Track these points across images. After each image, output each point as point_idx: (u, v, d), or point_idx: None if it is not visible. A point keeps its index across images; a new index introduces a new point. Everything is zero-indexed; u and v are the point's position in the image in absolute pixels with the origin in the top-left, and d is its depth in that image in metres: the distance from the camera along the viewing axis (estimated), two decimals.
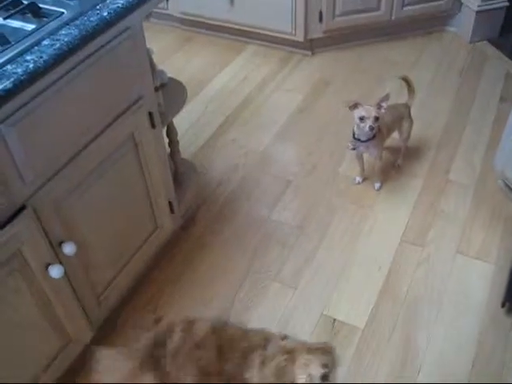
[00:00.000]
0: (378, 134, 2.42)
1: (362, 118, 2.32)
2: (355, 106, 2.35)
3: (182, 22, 3.77)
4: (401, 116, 2.61)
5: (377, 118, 2.31)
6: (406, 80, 2.66)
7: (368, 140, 2.42)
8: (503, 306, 2.10)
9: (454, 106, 3.09)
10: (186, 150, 2.69)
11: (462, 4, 3.52)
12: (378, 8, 3.35)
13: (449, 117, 3.02)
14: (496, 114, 3.02)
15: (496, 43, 3.54)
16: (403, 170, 2.71)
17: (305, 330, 2.08)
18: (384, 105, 2.33)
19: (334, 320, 2.11)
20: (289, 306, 2.16)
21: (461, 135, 2.90)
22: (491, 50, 3.50)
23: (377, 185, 2.64)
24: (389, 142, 2.64)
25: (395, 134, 2.66)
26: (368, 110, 2.31)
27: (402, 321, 2.10)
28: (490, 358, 1.98)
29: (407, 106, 2.64)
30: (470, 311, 2.12)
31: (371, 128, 2.31)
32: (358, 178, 2.68)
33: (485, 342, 2.02)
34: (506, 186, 2.54)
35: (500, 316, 2.10)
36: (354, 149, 2.53)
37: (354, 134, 2.46)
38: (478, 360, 1.97)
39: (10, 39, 1.39)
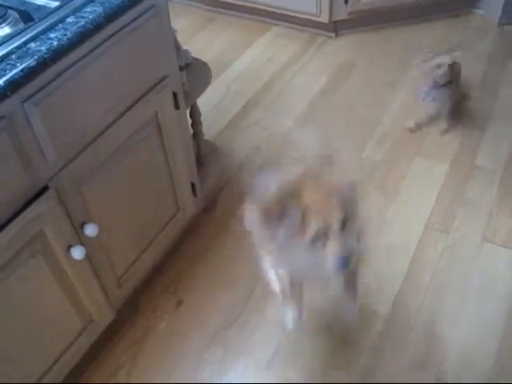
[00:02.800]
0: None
1: (439, 66, 2.54)
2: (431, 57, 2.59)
3: (204, 2, 3.72)
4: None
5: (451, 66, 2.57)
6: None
7: (444, 85, 2.63)
8: None
9: (481, 90, 3.02)
10: (209, 131, 2.66)
11: None
12: None
13: (476, 102, 2.94)
14: None
15: None
16: (428, 155, 2.65)
17: (327, 314, 2.06)
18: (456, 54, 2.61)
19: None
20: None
21: (488, 121, 2.83)
22: None
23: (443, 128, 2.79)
24: None
25: None
26: (443, 58, 2.57)
27: (425, 308, 2.07)
28: None
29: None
30: (495, 300, 2.08)
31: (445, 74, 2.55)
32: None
33: (510, 331, 1.99)
34: None
35: None
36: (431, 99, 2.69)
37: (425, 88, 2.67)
38: (502, 350, 1.93)
39: (34, 16, 1.38)
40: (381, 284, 2.15)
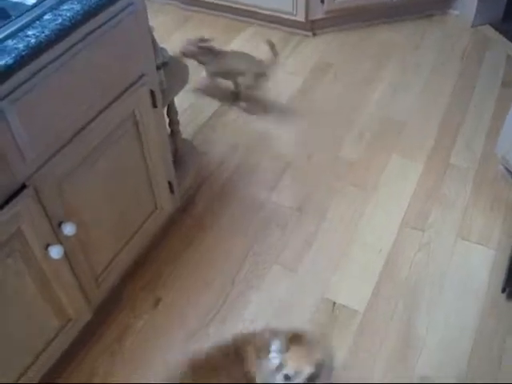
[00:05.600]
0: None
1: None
2: None
3: (182, 0, 3.71)
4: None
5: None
6: (270, 43, 2.82)
7: None
8: (503, 291, 2.10)
9: (455, 89, 3.06)
10: (186, 129, 2.66)
11: None
12: None
13: (450, 100, 2.99)
14: (497, 98, 2.99)
15: (498, 27, 3.49)
16: (404, 153, 2.68)
17: (305, 312, 2.08)
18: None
19: (334, 303, 2.10)
20: (289, 289, 2.15)
21: (462, 119, 2.87)
22: (493, 34, 3.47)
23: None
24: None
25: None
26: None
27: (402, 305, 2.09)
28: (490, 342, 1.97)
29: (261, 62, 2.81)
30: (470, 296, 2.12)
31: None
32: None
33: (485, 327, 2.02)
34: (508, 171, 2.52)
35: (500, 301, 2.09)
36: None
37: None
38: (477, 345, 1.97)
39: (11, 13, 1.36)
40: (358, 282, 2.17)
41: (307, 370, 1.60)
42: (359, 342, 1.99)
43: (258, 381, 1.67)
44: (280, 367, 1.61)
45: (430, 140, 2.77)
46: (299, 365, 1.61)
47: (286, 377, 1.61)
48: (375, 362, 1.93)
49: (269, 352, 1.64)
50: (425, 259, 2.24)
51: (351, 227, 2.37)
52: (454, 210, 2.43)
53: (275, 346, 1.62)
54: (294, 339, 1.67)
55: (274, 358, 1.63)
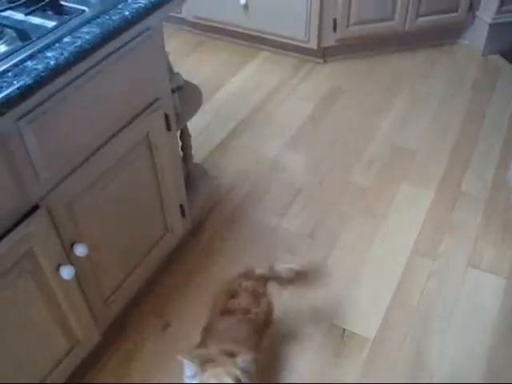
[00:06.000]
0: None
1: None
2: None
3: (195, 26, 3.75)
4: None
5: None
6: None
7: None
8: None
9: (465, 118, 3.07)
10: (197, 154, 2.67)
11: (475, 16, 3.51)
12: (392, 18, 3.34)
13: (460, 129, 3.00)
14: (508, 128, 3.00)
15: (509, 57, 3.52)
16: (414, 181, 2.68)
17: (314, 338, 2.06)
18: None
19: (344, 330, 2.08)
20: (298, 315, 2.13)
21: (472, 148, 2.88)
22: (504, 64, 3.49)
23: None
24: None
25: None
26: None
27: (412, 333, 2.07)
28: (501, 373, 1.95)
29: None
30: (481, 325, 2.09)
31: None
32: None
33: (496, 356, 1.99)
34: None
35: (511, 331, 2.08)
36: None
37: None
38: (488, 375, 1.94)
39: (31, 35, 1.38)
40: (368, 309, 2.16)
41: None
42: (368, 369, 1.97)
43: None
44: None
45: (440, 168, 2.76)
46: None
47: None
48: None
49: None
50: (435, 287, 2.22)
51: (362, 254, 2.36)
52: (464, 239, 2.41)
53: (189, 369, 1.43)
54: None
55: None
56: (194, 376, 1.42)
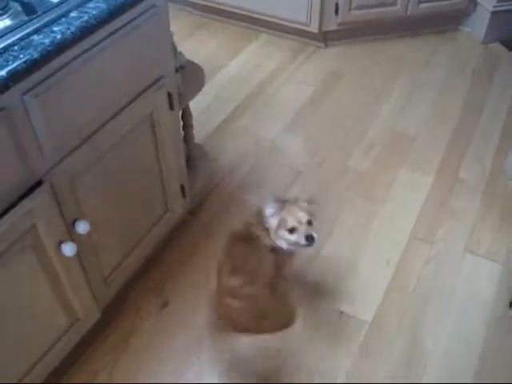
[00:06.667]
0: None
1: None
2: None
3: (195, 7, 3.73)
4: None
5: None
6: None
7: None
8: (511, 306, 2.10)
9: (465, 105, 3.08)
10: (198, 134, 2.66)
11: (477, 4, 3.50)
12: (394, 3, 3.33)
13: (460, 116, 3.00)
14: (507, 115, 3.00)
15: (509, 45, 3.52)
16: (413, 167, 2.69)
17: (312, 321, 2.07)
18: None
19: (342, 312, 2.10)
20: (297, 297, 2.15)
21: (472, 135, 2.88)
22: (504, 52, 3.49)
23: None
24: None
25: None
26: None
27: (409, 317, 2.09)
28: (496, 357, 1.97)
29: None
30: (477, 310, 2.11)
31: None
32: None
33: (491, 341, 2.02)
34: None
35: (507, 316, 2.09)
36: None
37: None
38: (484, 360, 1.96)
39: (37, 9, 1.37)
40: (365, 292, 2.17)
41: (306, 218, 1.77)
42: (365, 351, 1.99)
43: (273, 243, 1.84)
44: (283, 223, 1.77)
45: (439, 155, 2.77)
46: (296, 216, 1.77)
47: (308, 238, 1.75)
48: (379, 373, 1.93)
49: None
50: (432, 272, 2.24)
51: (360, 238, 2.37)
52: (462, 224, 2.43)
53: (269, 209, 1.80)
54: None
55: (273, 220, 1.80)
56: (274, 214, 1.79)
